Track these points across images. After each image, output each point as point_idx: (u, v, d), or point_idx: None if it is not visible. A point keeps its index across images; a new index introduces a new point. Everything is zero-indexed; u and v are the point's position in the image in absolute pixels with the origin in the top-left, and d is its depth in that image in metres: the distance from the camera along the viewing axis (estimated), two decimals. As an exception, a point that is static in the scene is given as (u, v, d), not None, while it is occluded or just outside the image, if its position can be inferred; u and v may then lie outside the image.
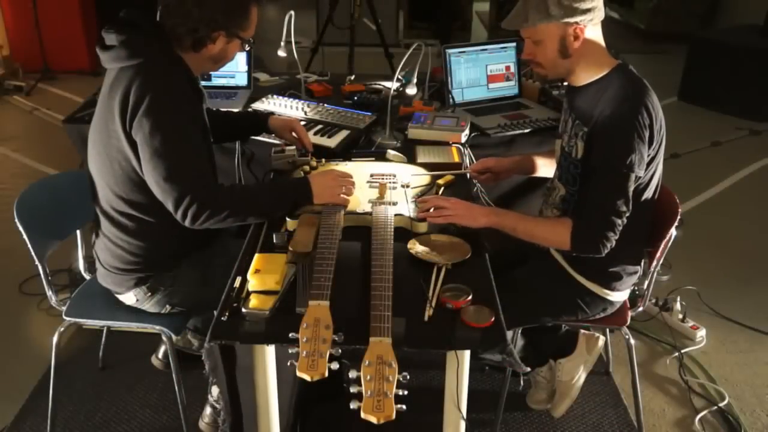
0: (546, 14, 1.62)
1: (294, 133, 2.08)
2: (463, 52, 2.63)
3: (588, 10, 1.61)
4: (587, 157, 1.67)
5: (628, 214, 1.62)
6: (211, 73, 2.71)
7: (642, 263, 1.87)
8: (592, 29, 1.65)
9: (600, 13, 1.64)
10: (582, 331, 2.11)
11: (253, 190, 1.78)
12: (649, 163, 1.64)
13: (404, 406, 1.10)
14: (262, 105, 2.48)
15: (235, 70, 2.73)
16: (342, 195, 1.74)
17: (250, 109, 2.48)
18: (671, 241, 1.84)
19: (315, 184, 1.71)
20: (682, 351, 2.51)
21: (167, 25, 1.64)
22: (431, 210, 1.69)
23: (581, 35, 1.64)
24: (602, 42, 1.69)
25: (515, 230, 1.71)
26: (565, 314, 1.87)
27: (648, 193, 1.72)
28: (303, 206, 1.71)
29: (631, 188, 1.61)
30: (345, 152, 2.15)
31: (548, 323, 1.99)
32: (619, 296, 1.85)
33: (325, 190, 1.72)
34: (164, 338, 1.90)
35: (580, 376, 2.07)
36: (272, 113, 2.29)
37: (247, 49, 1.79)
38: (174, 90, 1.61)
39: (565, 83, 1.81)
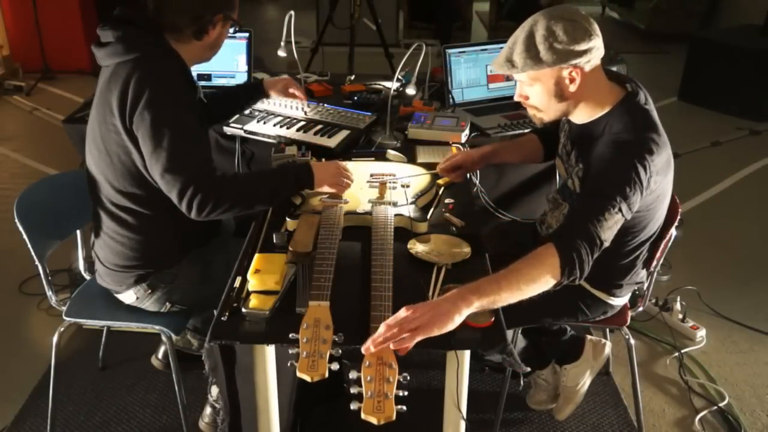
0: (536, 60, 1.47)
1: (291, 90, 2.20)
2: (463, 52, 2.63)
3: (585, 52, 1.47)
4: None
5: (602, 248, 1.44)
6: (211, 73, 2.71)
7: (645, 271, 1.86)
8: (591, 67, 1.52)
9: (598, 53, 1.50)
10: (588, 337, 2.10)
11: (256, 176, 1.81)
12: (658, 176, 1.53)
13: (404, 407, 1.10)
14: (263, 105, 2.48)
15: (235, 70, 2.73)
16: (341, 185, 1.77)
17: (248, 108, 2.48)
18: (671, 241, 1.84)
19: (317, 169, 1.74)
20: (682, 351, 2.51)
21: (167, 22, 1.67)
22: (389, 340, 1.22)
23: (578, 77, 1.50)
24: (603, 78, 1.58)
25: (498, 296, 1.33)
26: (566, 316, 1.87)
27: (658, 223, 1.71)
28: (304, 189, 1.74)
29: (617, 225, 1.45)
30: (345, 152, 2.15)
31: (548, 324, 1.99)
32: (620, 301, 1.85)
33: (327, 176, 1.75)
34: (164, 338, 1.90)
35: (585, 382, 2.07)
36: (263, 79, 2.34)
37: (235, 31, 1.82)
38: (172, 82, 1.63)
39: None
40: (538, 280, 1.39)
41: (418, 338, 1.22)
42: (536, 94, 1.56)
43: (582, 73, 1.51)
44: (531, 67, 1.49)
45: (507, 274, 1.37)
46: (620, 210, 1.43)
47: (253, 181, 1.70)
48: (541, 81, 1.53)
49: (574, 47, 1.46)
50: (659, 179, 1.53)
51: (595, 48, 1.49)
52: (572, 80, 1.51)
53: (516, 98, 1.63)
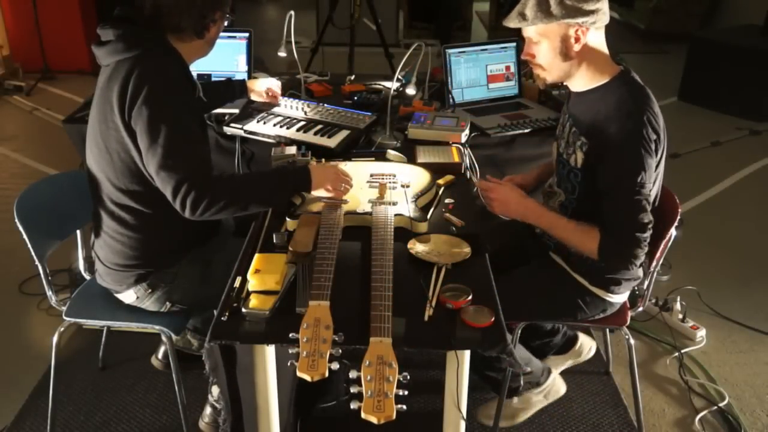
0: (547, 13, 1.59)
1: (271, 93, 2.40)
2: (463, 52, 2.63)
3: (592, 12, 1.58)
4: (592, 172, 1.65)
5: (652, 225, 1.59)
6: (210, 73, 2.71)
7: (642, 268, 1.86)
8: (595, 33, 1.63)
9: (604, 17, 1.61)
10: (581, 335, 2.11)
11: (252, 177, 1.82)
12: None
13: (404, 406, 1.10)
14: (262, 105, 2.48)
15: (235, 70, 2.72)
16: (339, 190, 1.76)
17: (245, 103, 2.48)
18: (671, 241, 1.84)
19: (315, 173, 1.73)
20: (682, 351, 2.51)
21: (170, 22, 1.67)
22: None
23: (583, 37, 1.61)
24: (605, 48, 1.67)
25: (549, 231, 1.75)
26: (565, 314, 1.87)
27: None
28: (301, 192, 1.74)
29: (648, 200, 1.59)
30: (345, 152, 2.15)
31: (548, 323, 1.99)
32: (619, 298, 1.85)
33: (325, 180, 1.74)
34: (164, 338, 1.90)
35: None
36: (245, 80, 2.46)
37: (230, 23, 1.86)
38: (172, 80, 1.64)
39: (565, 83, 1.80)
40: (579, 248, 1.70)
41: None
42: (543, 51, 1.66)
43: (587, 34, 1.61)
44: (541, 20, 1.60)
45: (558, 227, 1.72)
46: (644, 190, 1.57)
47: (249, 182, 1.70)
48: (548, 37, 1.63)
49: (583, 5, 1.57)
50: (660, 149, 1.61)
51: (602, 11, 1.60)
52: (577, 39, 1.61)
53: (523, 57, 1.73)
